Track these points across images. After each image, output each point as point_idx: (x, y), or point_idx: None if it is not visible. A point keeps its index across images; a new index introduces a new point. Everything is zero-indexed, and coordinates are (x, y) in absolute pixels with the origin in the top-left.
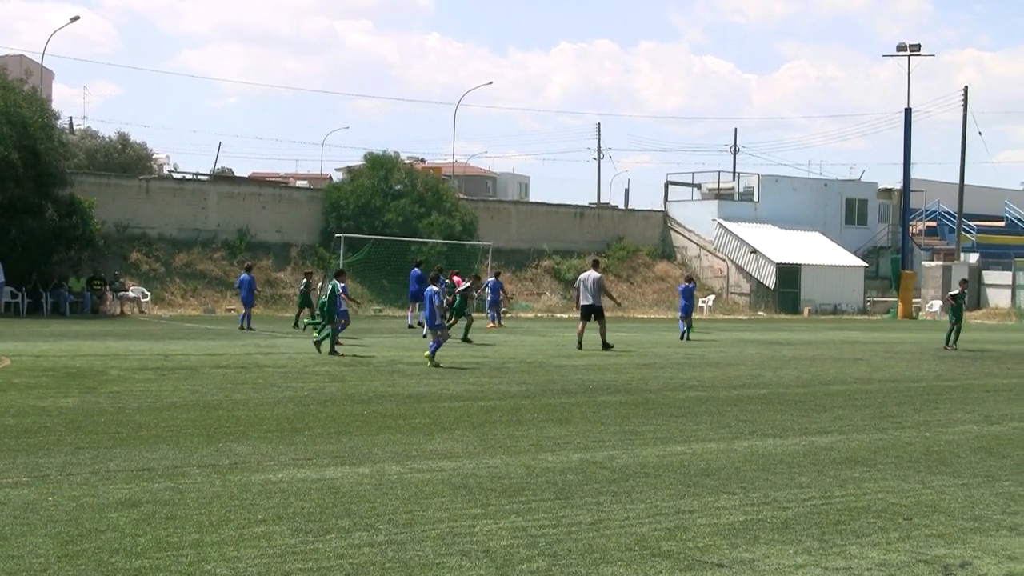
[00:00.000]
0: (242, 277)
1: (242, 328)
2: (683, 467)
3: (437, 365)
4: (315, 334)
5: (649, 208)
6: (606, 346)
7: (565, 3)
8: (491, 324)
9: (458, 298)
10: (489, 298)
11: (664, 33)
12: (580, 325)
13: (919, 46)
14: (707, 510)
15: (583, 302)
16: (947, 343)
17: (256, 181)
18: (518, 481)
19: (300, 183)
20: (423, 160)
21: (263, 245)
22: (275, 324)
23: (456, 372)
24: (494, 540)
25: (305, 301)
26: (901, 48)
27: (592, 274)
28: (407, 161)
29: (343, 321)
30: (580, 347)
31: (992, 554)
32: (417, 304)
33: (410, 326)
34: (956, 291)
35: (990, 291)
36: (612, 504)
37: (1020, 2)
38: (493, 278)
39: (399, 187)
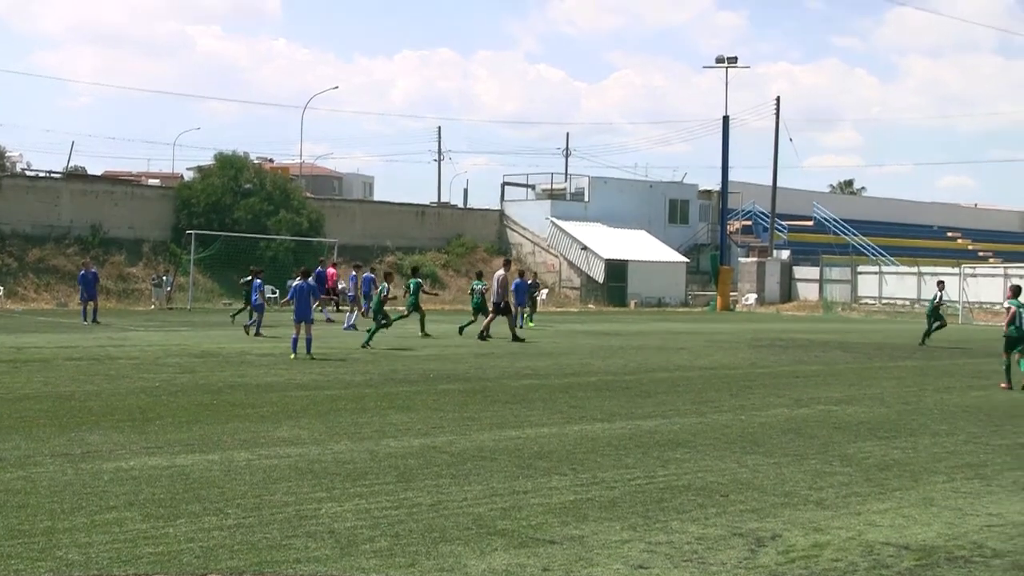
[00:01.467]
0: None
1: (85, 322)
2: (517, 450)
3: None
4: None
5: (487, 207)
6: (516, 338)
7: (408, 12)
8: (363, 311)
9: (476, 297)
10: (363, 290)
11: (501, 42)
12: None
13: (736, 59)
14: (540, 490)
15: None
16: (923, 340)
17: (109, 179)
18: (362, 466)
19: (152, 181)
20: (271, 160)
21: (116, 241)
22: (128, 318)
23: (303, 363)
24: (339, 522)
25: (248, 298)
26: (720, 60)
27: (498, 273)
28: (256, 161)
29: (257, 314)
30: (515, 339)
31: (800, 527)
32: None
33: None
34: (936, 293)
35: (800, 285)
36: (451, 486)
37: (826, 20)
38: (368, 272)
39: (248, 186)
